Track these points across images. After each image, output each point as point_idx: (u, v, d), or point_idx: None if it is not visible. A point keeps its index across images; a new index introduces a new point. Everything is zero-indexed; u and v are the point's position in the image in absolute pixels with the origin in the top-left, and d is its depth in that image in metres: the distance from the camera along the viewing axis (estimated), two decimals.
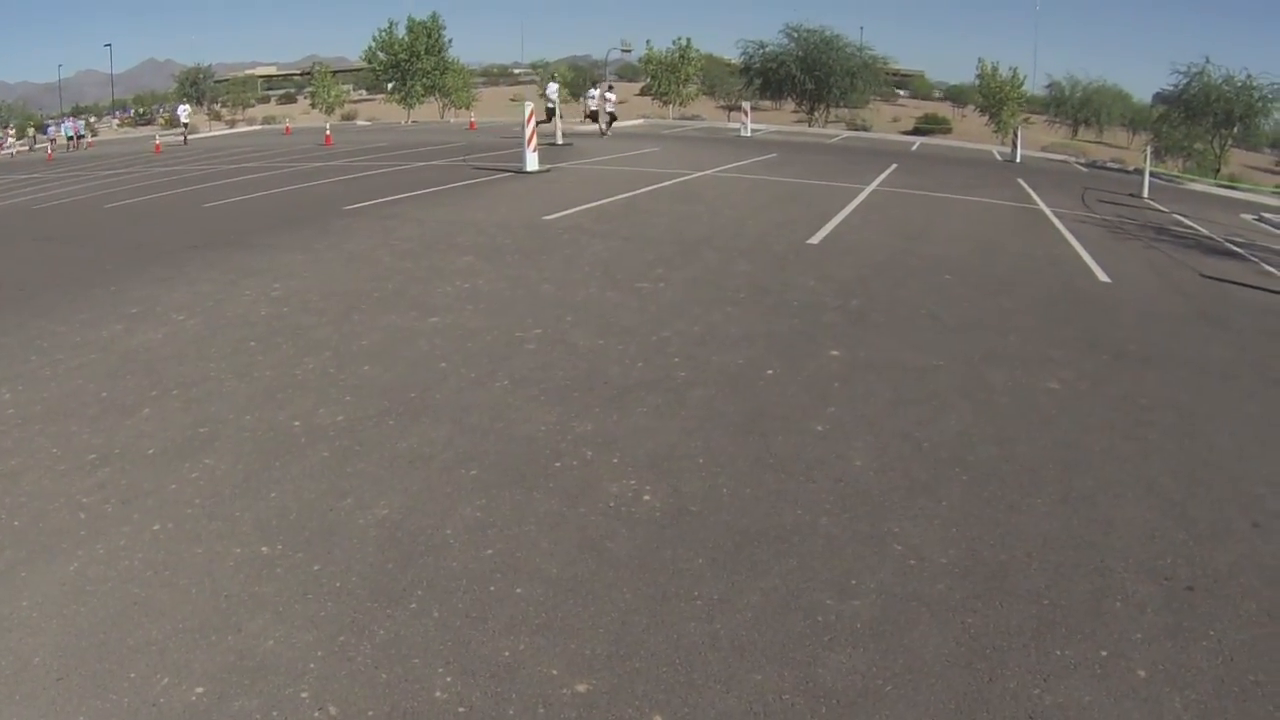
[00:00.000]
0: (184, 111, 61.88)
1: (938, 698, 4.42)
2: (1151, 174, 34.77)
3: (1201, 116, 54.43)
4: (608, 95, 47.79)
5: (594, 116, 48.21)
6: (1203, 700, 4.55)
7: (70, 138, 71.37)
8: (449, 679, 4.30)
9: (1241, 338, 11.97)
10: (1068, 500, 6.68)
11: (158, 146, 51.60)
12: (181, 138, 58.86)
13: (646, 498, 6.17)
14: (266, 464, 6.47)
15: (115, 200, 23.70)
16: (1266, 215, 30.04)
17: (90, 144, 67.59)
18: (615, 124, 47.33)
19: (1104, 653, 4.89)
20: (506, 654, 4.49)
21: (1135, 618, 5.24)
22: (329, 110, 79.68)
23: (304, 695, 4.14)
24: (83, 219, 20.90)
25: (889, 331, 10.50)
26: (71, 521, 5.77)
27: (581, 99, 60.79)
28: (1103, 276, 14.94)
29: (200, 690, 4.19)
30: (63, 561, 5.31)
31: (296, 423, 7.19)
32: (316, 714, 4.01)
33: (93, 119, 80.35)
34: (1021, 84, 73.84)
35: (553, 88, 45.58)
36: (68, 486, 6.24)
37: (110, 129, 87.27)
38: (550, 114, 41.80)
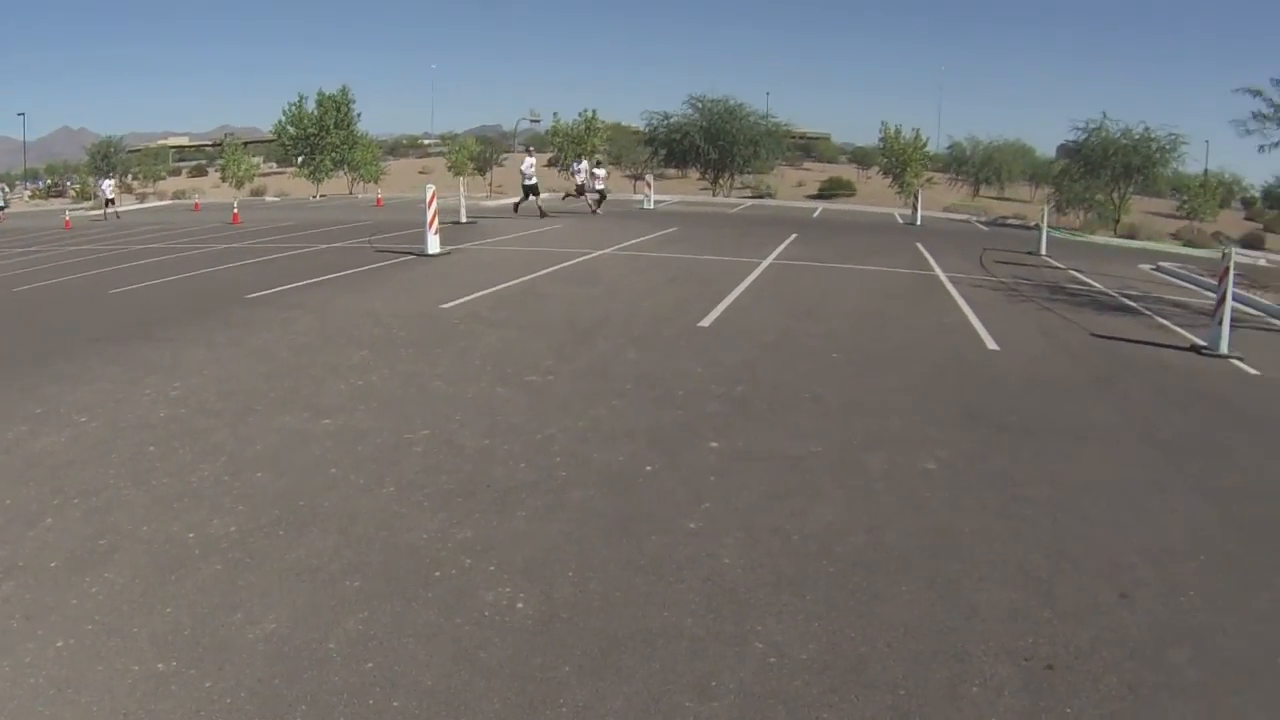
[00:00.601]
0: (107, 186, 60.23)
1: None
2: (1050, 229, 35.19)
3: (1101, 169, 55.07)
4: (596, 172, 46.92)
5: (580, 191, 46.76)
6: None
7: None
8: None
9: (1127, 399, 12.30)
10: (933, 586, 6.84)
11: (67, 223, 50.84)
12: (102, 214, 57.35)
13: (520, 605, 6.34)
14: (163, 578, 6.56)
15: (23, 284, 23.53)
16: (1164, 265, 30.48)
17: (2, 218, 65.57)
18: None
19: None
20: None
21: (991, 701, 5.41)
22: (239, 184, 78.96)
23: None
24: None
25: (770, 419, 10.68)
26: None
27: (571, 173, 59.18)
28: (991, 344, 15.23)
29: None
30: None
31: (191, 534, 7.28)
32: None
33: (5, 189, 78.23)
34: (924, 145, 74.68)
35: (529, 163, 43.25)
36: None
37: (21, 200, 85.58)
38: (530, 192, 42.10)
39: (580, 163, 48.62)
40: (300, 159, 76.90)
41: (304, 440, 9.45)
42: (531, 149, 47.24)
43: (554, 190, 63.68)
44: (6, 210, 68.46)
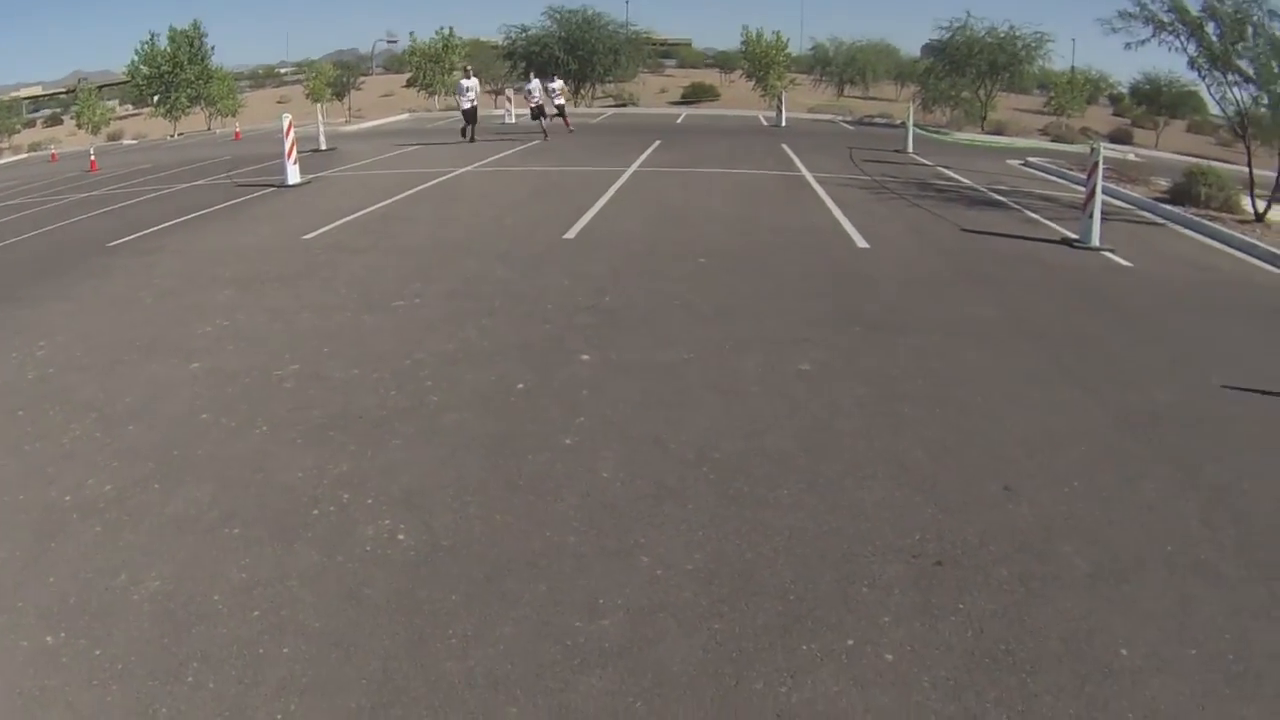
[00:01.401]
0: None
1: (687, 709, 4.64)
2: (916, 127, 35.24)
3: (966, 67, 55.20)
4: (550, 86, 41.14)
5: (537, 113, 38.59)
6: (952, 676, 4.84)
7: None
8: None
9: (1000, 292, 12.51)
10: (815, 488, 6.95)
11: None
12: None
13: (401, 537, 6.35)
14: (43, 547, 6.46)
15: None
16: (1032, 160, 30.63)
17: None
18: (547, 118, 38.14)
19: (850, 641, 5.16)
20: (279, 717, 4.64)
21: (882, 601, 5.53)
22: (95, 130, 77.02)
23: None
24: None
25: (641, 328, 10.77)
26: None
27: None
28: (861, 243, 15.40)
29: None
30: None
31: (68, 497, 7.18)
32: None
33: None
34: (786, 47, 74.51)
35: (467, 84, 36.88)
36: None
37: None
38: (470, 117, 36.33)
39: (530, 81, 41.04)
40: (155, 98, 75.24)
41: (173, 387, 9.34)
42: (470, 68, 42.04)
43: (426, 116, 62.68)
44: None
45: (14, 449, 8.17)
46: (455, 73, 70.39)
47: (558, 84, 42.95)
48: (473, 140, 36.14)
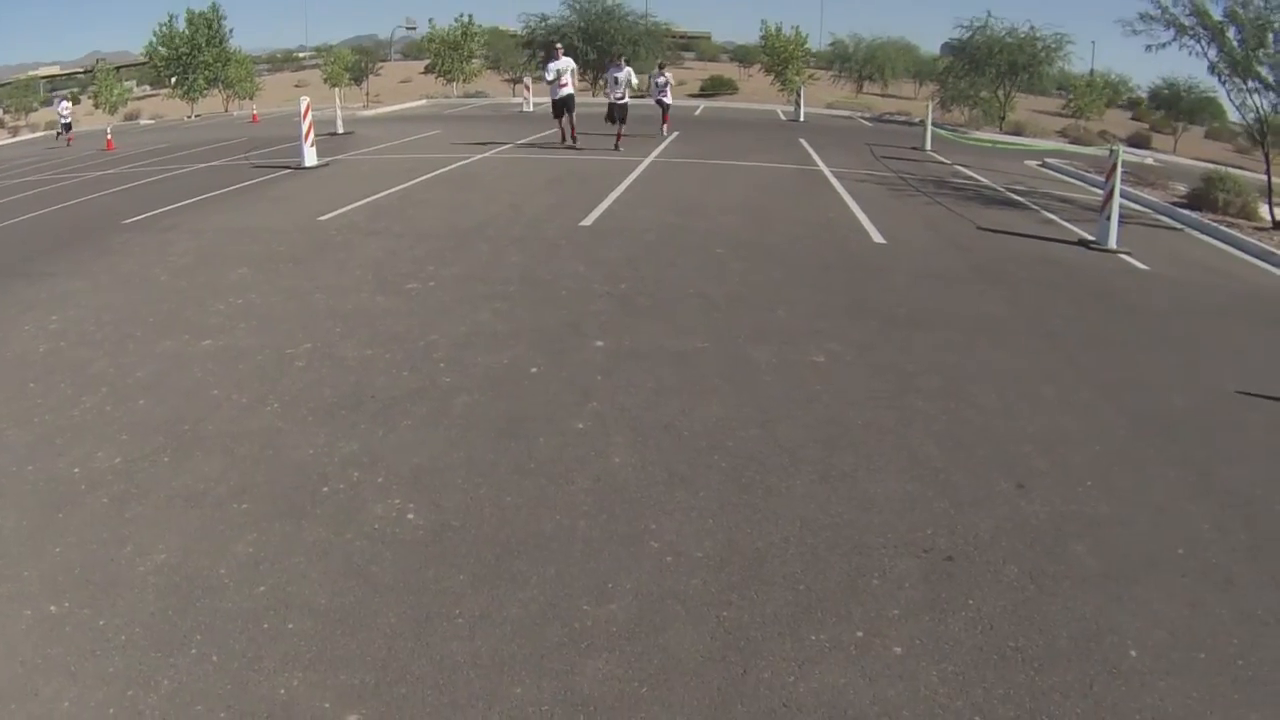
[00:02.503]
0: (65, 108, 53.95)
1: (693, 696, 4.62)
2: (934, 126, 35.10)
3: (985, 67, 54.95)
4: (658, 80, 33.39)
5: (612, 117, 27.64)
6: (960, 671, 4.82)
7: None
8: None
9: (1016, 291, 12.42)
10: (827, 479, 6.91)
11: None
12: (62, 138, 51.55)
13: (410, 517, 6.34)
14: (50, 517, 6.46)
15: None
16: (1050, 161, 30.49)
17: None
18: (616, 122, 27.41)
19: (860, 633, 5.13)
20: (282, 692, 4.62)
21: (892, 594, 5.50)
22: (112, 110, 77.01)
23: None
24: None
25: (656, 316, 10.73)
26: None
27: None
28: (878, 238, 15.31)
29: None
30: None
31: (76, 469, 7.17)
32: None
33: None
34: (805, 42, 74.44)
35: (559, 65, 27.06)
36: None
37: None
38: (565, 106, 27.47)
39: (618, 68, 28.02)
40: (173, 80, 75.21)
41: (185, 363, 9.31)
42: (559, 46, 29.16)
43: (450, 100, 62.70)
44: None
45: (24, 420, 8.15)
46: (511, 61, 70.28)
47: (668, 76, 33.56)
48: (575, 142, 27.58)
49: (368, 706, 4.54)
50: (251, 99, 74.73)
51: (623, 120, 27.56)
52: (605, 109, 28.68)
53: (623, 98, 27.69)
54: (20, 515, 6.50)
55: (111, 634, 5.13)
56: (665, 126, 32.63)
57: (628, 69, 28.18)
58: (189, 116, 70.35)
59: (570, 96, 27.57)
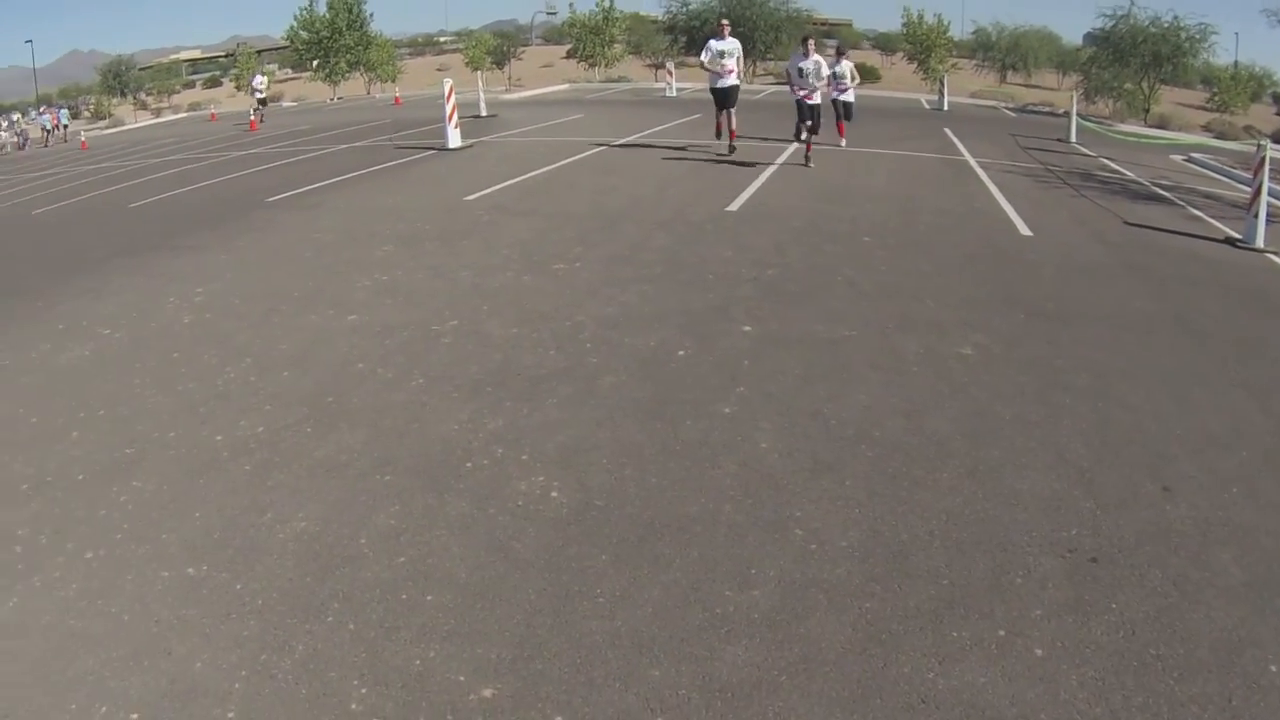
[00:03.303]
0: (260, 82, 53.22)
1: (832, 686, 4.52)
2: (1079, 117, 34.62)
3: (1129, 58, 54.23)
4: (836, 68, 24.31)
5: (804, 120, 20.82)
6: (1100, 677, 4.66)
7: (47, 130, 64.82)
8: (364, 691, 4.41)
9: (1163, 288, 12.04)
10: (974, 473, 6.76)
11: (83, 143, 50.21)
12: (257, 114, 50.90)
13: (554, 494, 6.29)
14: (191, 482, 6.52)
15: (42, 205, 23.25)
16: (1196, 156, 29.96)
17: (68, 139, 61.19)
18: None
19: (1001, 632, 5.00)
20: (418, 663, 4.59)
21: (1035, 594, 5.35)
22: (253, 93, 78.52)
23: (230, 715, 4.24)
24: (10, 228, 20.59)
25: (803, 302, 10.57)
26: (8, 556, 5.82)
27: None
28: (1024, 230, 14.97)
29: (135, 717, 4.30)
30: (2, 597, 5.37)
31: (219, 437, 7.23)
32: None
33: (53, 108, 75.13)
34: (947, 30, 73.81)
35: (724, 46, 21.46)
36: (3, 519, 6.28)
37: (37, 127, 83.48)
38: (727, 99, 21.53)
39: (804, 56, 20.89)
40: (315, 63, 76.18)
41: (330, 338, 9.34)
42: (725, 23, 22.90)
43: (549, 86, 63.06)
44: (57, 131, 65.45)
45: (167, 388, 8.26)
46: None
47: (849, 65, 25.62)
48: (733, 145, 22.25)
49: (503, 681, 4.50)
50: (394, 82, 75.54)
51: (814, 127, 20.72)
52: (795, 108, 20.69)
53: (814, 96, 20.57)
54: (162, 480, 6.57)
55: (248, 598, 5.15)
56: (844, 138, 24.85)
57: (817, 58, 20.52)
58: (331, 99, 71.25)
59: (735, 87, 21.25)
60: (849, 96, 25.34)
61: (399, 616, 4.98)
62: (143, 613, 5.05)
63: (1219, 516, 6.32)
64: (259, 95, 49.64)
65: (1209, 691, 4.59)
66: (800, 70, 20.50)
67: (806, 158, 20.96)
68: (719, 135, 22.39)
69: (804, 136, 20.74)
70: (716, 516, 6.06)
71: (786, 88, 20.81)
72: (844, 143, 24.70)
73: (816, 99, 20.63)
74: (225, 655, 4.57)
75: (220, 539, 5.76)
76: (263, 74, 54.82)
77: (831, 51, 24.93)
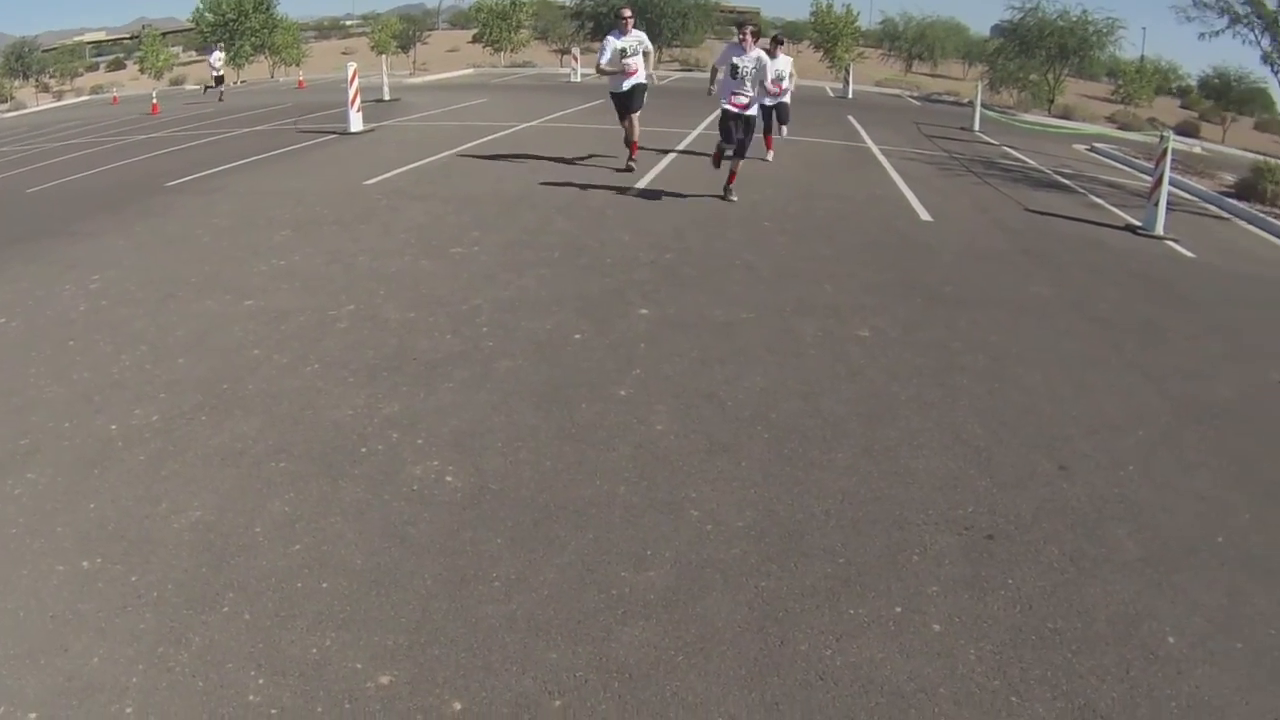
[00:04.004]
0: (217, 59, 51.14)
1: (729, 665, 4.58)
2: (983, 107, 34.94)
3: (1035, 49, 54.72)
4: (775, 66, 18.11)
5: (730, 138, 15.38)
6: (998, 650, 4.77)
7: None
8: (261, 681, 4.40)
9: (1062, 273, 12.26)
10: (870, 453, 6.87)
11: None
12: (214, 93, 45.57)
13: (449, 479, 6.30)
14: (85, 473, 6.45)
15: None
16: (1098, 146, 30.34)
17: None
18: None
19: (898, 608, 5.09)
20: (314, 651, 4.59)
21: (932, 571, 5.46)
22: (158, 75, 77.34)
23: (129, 711, 4.20)
24: None
25: (701, 286, 10.65)
26: None
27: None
28: (925, 215, 15.19)
29: (33, 716, 4.25)
30: None
31: (113, 426, 7.16)
32: None
33: None
34: (855, 19, 74.11)
35: (625, 42, 17.02)
36: None
37: None
38: (626, 105, 17.49)
39: (743, 50, 14.95)
40: (220, 45, 75.41)
41: (225, 323, 9.27)
42: (628, 15, 17.67)
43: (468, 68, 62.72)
44: None
45: (62, 377, 8.16)
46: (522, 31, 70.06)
47: (786, 61, 19.79)
48: (633, 161, 18.41)
49: (400, 668, 4.50)
50: (298, 66, 74.88)
51: (742, 149, 15.61)
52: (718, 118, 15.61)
53: (750, 106, 15.25)
54: (56, 472, 6.48)
55: (144, 590, 5.10)
56: (771, 150, 20.65)
57: (759, 53, 15.05)
58: (235, 83, 70.51)
59: (641, 88, 17.32)
60: (785, 99, 20.14)
61: (295, 605, 4.96)
62: (38, 608, 4.99)
63: (1115, 494, 6.50)
64: (216, 73, 48.41)
65: (1107, 664, 4.71)
66: (735, 69, 14.73)
67: (727, 189, 15.76)
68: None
69: (727, 158, 15.63)
70: (612, 499, 6.11)
71: (706, 86, 15.42)
72: (771, 155, 20.33)
73: (753, 110, 15.18)
74: (122, 649, 4.52)
75: (115, 530, 5.71)
76: (219, 49, 53.51)
77: (767, 43, 17.40)
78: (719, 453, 6.79)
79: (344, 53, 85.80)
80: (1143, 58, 76.33)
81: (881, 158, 21.92)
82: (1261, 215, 18.92)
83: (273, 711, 4.21)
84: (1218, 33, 21.64)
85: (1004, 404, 7.97)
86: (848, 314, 9.82)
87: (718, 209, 14.65)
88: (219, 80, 48.05)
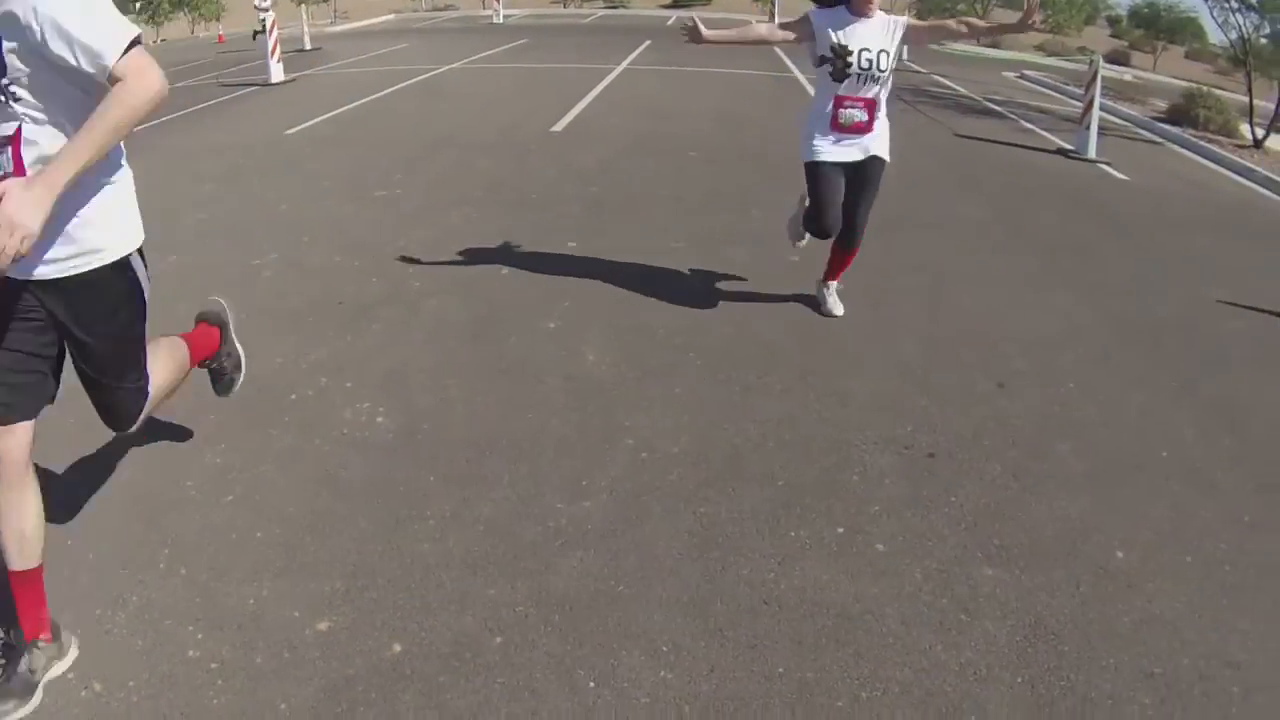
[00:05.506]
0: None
1: (670, 593, 4.57)
2: None
3: None
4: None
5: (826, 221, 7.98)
6: (943, 568, 4.79)
7: None
8: (200, 636, 4.34)
9: (996, 197, 12.46)
10: (805, 377, 6.90)
11: None
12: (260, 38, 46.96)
13: (380, 420, 6.27)
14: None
15: None
16: (1028, 73, 30.69)
17: None
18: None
19: (840, 530, 5.10)
20: (251, 602, 4.54)
21: (873, 491, 5.48)
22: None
23: (70, 676, 4.14)
24: None
25: (629, 217, 10.72)
26: None
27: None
28: None
29: None
30: None
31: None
32: (83, 693, 4.03)
33: None
34: None
35: None
36: None
37: None
38: None
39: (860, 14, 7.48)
40: (137, 5, 74.32)
41: (151, 280, 9.14)
42: None
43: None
44: None
45: None
46: None
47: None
48: None
49: (339, 613, 4.46)
50: (218, 20, 73.94)
51: (854, 236, 8.21)
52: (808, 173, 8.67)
53: (872, 127, 8.20)
54: None
55: (79, 552, 5.02)
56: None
57: (886, 17, 7.74)
58: (155, 42, 69.59)
59: None
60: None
61: (229, 557, 4.91)
62: None
63: (1056, 411, 6.57)
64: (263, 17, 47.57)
65: (1056, 579, 4.74)
66: (841, 60, 7.69)
67: (823, 289, 8.65)
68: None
69: (825, 242, 8.41)
70: (544, 431, 6.11)
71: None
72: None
73: (877, 129, 8.24)
74: (59, 614, 4.38)
75: (48, 492, 5.64)
76: None
77: None
78: (652, 381, 6.82)
79: (260, 5, 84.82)
80: None
81: (810, 87, 21.83)
82: (1193, 140, 19.15)
83: (212, 665, 4.16)
84: None
85: (940, 324, 8.05)
86: (777, 241, 9.75)
87: (643, 142, 14.69)
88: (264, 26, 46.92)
